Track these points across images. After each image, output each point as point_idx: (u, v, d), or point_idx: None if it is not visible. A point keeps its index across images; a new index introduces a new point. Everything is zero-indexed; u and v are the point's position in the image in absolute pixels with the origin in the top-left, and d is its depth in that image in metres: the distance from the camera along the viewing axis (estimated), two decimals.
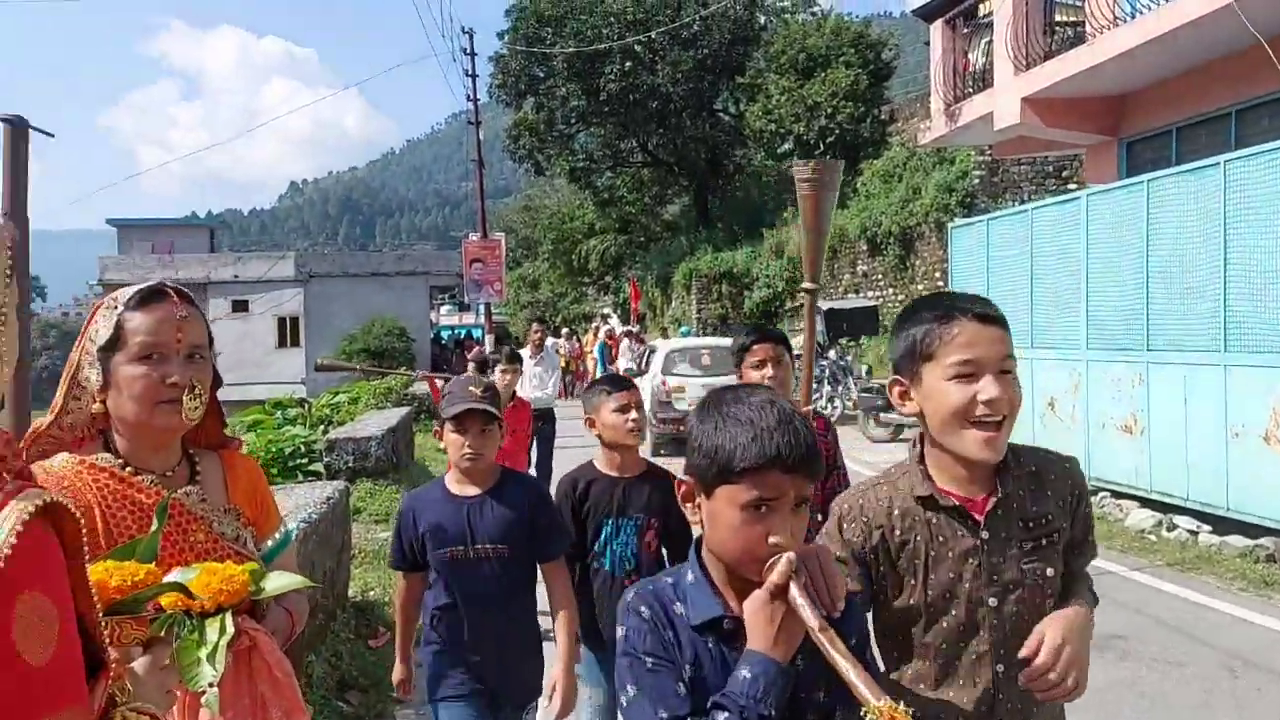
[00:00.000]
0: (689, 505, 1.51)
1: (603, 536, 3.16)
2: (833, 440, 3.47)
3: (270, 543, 1.88)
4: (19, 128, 4.92)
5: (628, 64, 29.40)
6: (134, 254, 38.54)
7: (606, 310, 35.04)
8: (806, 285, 3.57)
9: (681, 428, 14.47)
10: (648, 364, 16.03)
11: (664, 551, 3.23)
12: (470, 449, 2.78)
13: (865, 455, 12.90)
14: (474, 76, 27.23)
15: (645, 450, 17.21)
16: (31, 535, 0.93)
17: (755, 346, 3.38)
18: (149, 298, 1.65)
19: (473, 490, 2.86)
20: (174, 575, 1.39)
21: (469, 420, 2.79)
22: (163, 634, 1.34)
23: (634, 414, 3.17)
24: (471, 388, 2.88)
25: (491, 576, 2.79)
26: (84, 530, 1.14)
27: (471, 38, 27.43)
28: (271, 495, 1.99)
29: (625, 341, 22.58)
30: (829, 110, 25.78)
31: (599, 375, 22.99)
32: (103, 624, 1.17)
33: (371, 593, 6.42)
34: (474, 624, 2.80)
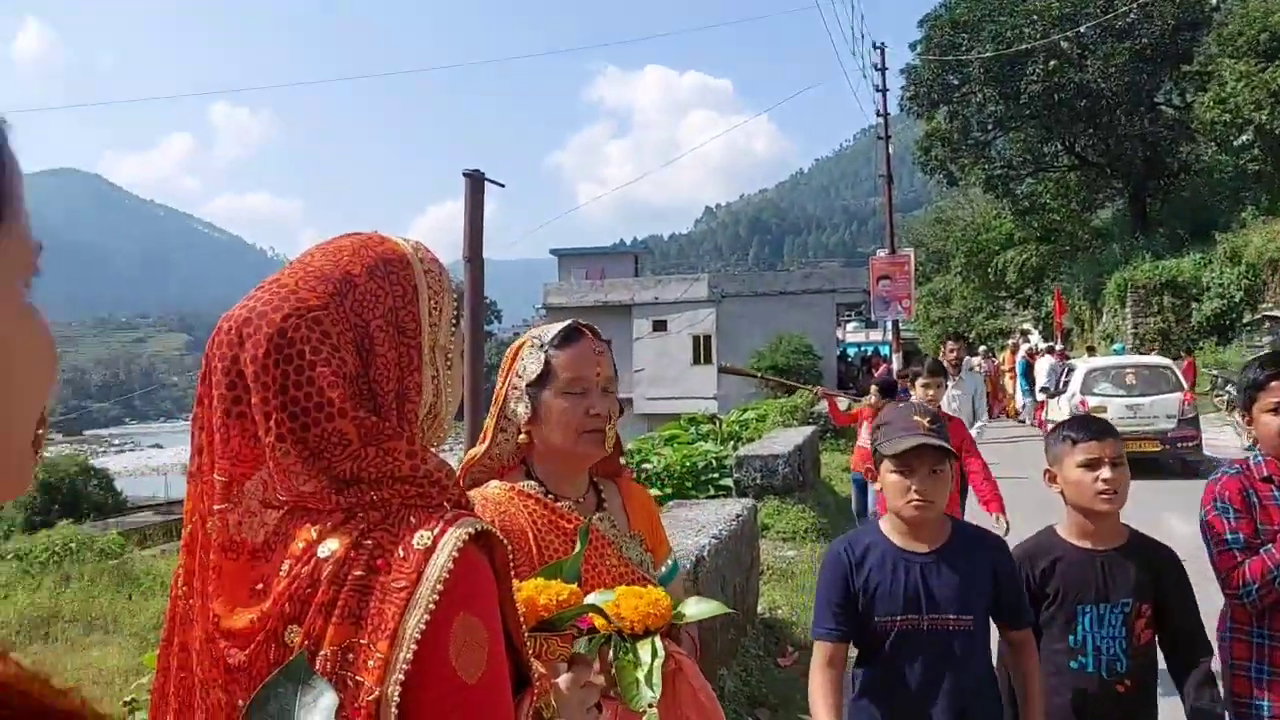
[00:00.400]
0: None
1: (1079, 628, 2.50)
2: None
3: (663, 569, 1.92)
4: (478, 180, 5.58)
5: (1052, 63, 27.45)
6: (571, 280, 42.67)
7: (1026, 325, 32.84)
8: None
9: None
10: (1065, 383, 14.79)
11: (1157, 643, 2.56)
12: (919, 495, 2.27)
13: None
14: (884, 91, 26.86)
15: None
16: (466, 561, 0.99)
17: (1274, 384, 2.57)
18: (570, 336, 1.77)
19: (920, 545, 2.35)
20: (593, 597, 1.44)
21: (916, 459, 2.27)
22: (589, 653, 1.40)
23: (1108, 472, 2.47)
24: (916, 417, 2.35)
25: (949, 653, 2.28)
26: (512, 553, 1.20)
27: (883, 52, 27.12)
28: (661, 523, 2.04)
29: (1046, 359, 20.89)
30: None
31: (1020, 398, 21.54)
32: (530, 641, 1.23)
33: (779, 611, 6.47)
34: (923, 713, 2.28)
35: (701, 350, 37.48)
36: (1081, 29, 27.05)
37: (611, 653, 1.44)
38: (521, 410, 1.73)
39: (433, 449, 1.15)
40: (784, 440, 10.27)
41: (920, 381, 6.53)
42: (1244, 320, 23.04)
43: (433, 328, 1.14)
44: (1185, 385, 13.67)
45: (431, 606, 0.95)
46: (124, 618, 8.63)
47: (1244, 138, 24.00)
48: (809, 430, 11.75)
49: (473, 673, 0.97)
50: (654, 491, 8.29)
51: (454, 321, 1.18)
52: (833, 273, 42.47)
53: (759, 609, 6.22)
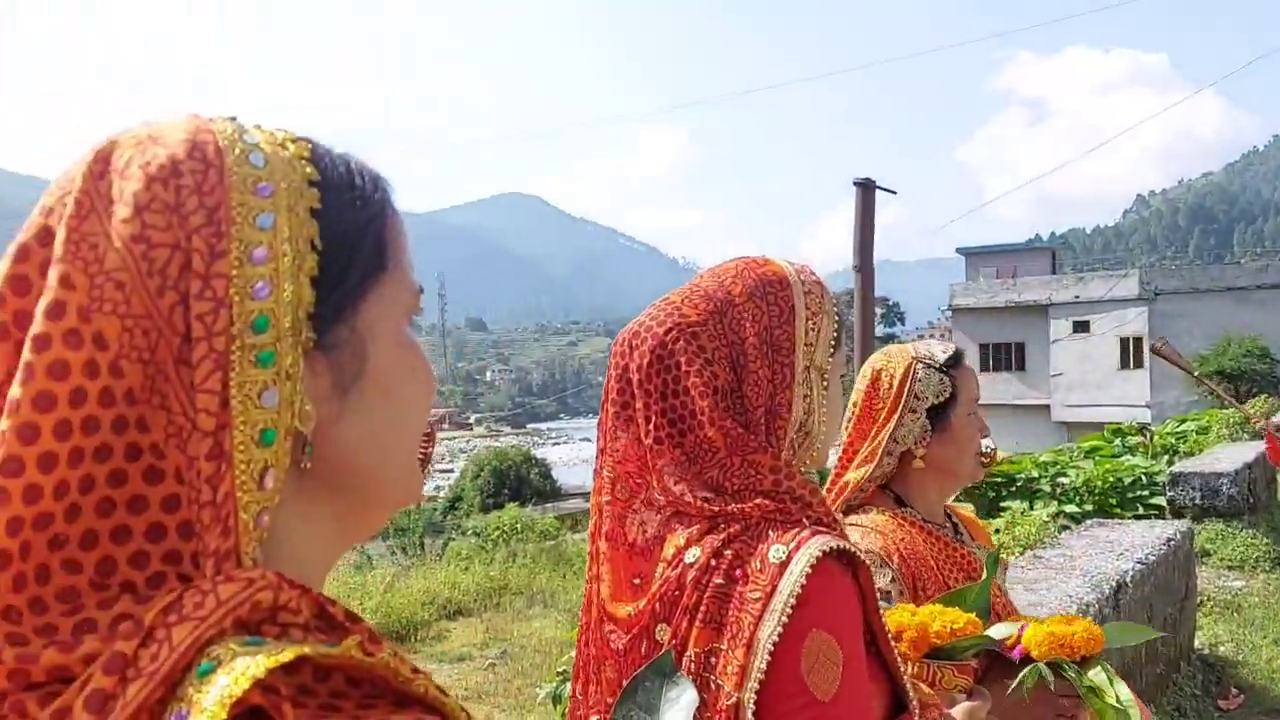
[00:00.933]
0: None
1: None
2: None
3: None
4: (869, 188, 5.67)
5: None
6: (980, 279, 40.81)
7: None
8: None
9: None
10: None
11: None
12: None
13: None
14: None
15: None
16: (822, 576, 1.02)
17: None
18: (960, 358, 1.77)
19: None
20: (999, 629, 1.40)
21: None
22: (1026, 680, 1.34)
23: None
24: None
25: None
26: (923, 584, 1.26)
27: None
28: None
29: None
30: None
31: None
32: (923, 668, 1.27)
33: (1222, 648, 5.87)
34: None
35: (1131, 353, 34.13)
36: None
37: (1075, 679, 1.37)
38: (918, 431, 1.70)
39: (804, 467, 1.20)
40: (1230, 456, 9.18)
41: None
42: None
43: (809, 347, 1.18)
44: None
45: (785, 619, 0.99)
46: (559, 594, 9.64)
47: None
48: (1261, 445, 10.39)
49: (826, 690, 0.99)
50: (1070, 508, 7.83)
51: (833, 343, 1.22)
52: None
53: (1196, 644, 5.69)
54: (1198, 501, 8.05)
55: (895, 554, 1.59)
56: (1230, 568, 7.54)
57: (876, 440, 1.67)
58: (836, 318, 1.23)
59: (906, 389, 1.68)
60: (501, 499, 23.06)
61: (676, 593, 1.05)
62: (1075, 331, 35.27)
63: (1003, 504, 7.63)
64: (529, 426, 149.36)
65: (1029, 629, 1.42)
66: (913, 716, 1.13)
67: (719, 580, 1.03)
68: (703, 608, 1.03)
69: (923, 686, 1.24)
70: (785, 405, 1.15)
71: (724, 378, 1.12)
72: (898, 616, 1.31)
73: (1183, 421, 14.04)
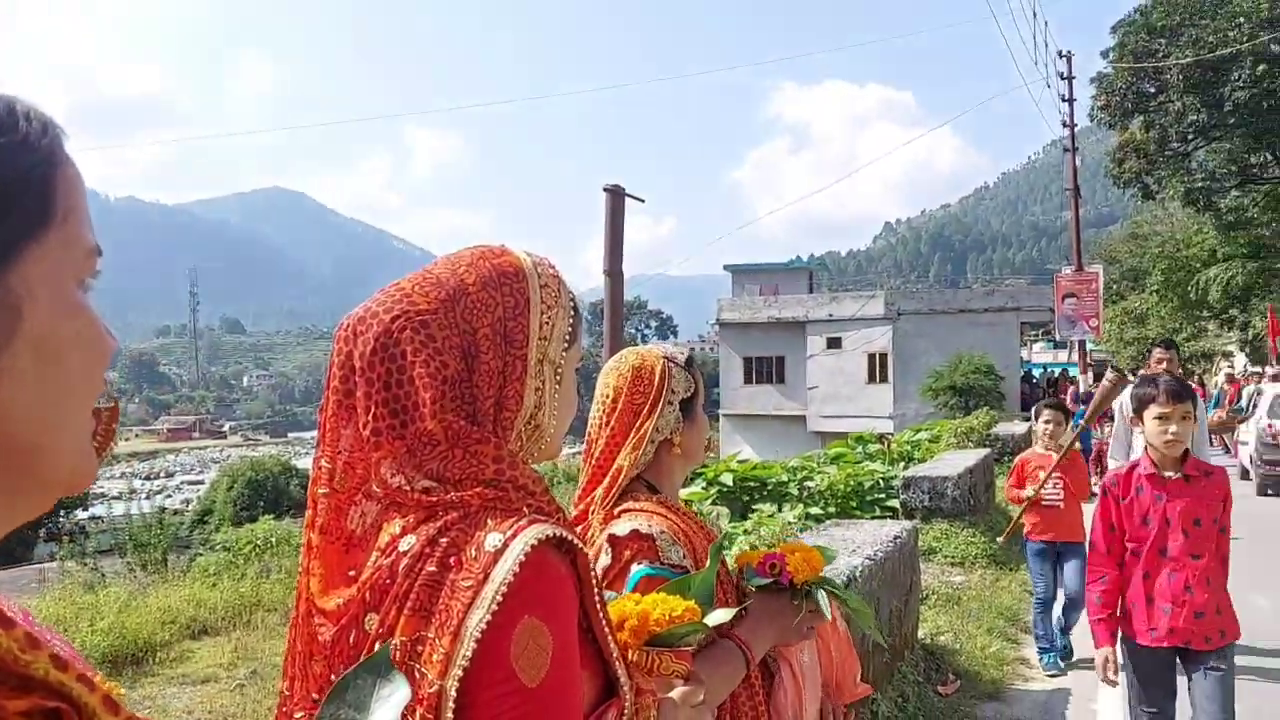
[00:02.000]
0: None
1: None
2: None
3: None
4: (618, 195, 5.83)
5: (1260, 67, 25.54)
6: (745, 295, 42.72)
7: (1230, 348, 30.59)
8: None
9: None
10: (1254, 407, 15.12)
11: None
12: None
13: None
14: (1071, 101, 25.73)
15: (1250, 490, 14.88)
16: (537, 564, 1.01)
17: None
18: (693, 360, 1.90)
19: None
20: (716, 615, 1.48)
21: None
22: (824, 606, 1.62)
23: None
24: None
25: None
26: (689, 556, 1.28)
27: (1070, 61, 25.99)
28: None
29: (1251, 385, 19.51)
30: None
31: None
32: (642, 656, 1.29)
33: (942, 637, 6.35)
34: None
35: (877, 368, 36.77)
36: None
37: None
38: (674, 422, 1.78)
39: (531, 459, 1.19)
40: (955, 462, 10.06)
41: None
42: None
43: (543, 341, 1.17)
44: None
45: (495, 607, 0.97)
46: None
47: None
48: (983, 453, 11.45)
49: (534, 676, 0.99)
50: (815, 510, 8.32)
51: (568, 338, 1.21)
52: (1017, 290, 40.74)
53: (920, 634, 6.13)
54: (926, 503, 8.77)
55: (681, 534, 1.66)
56: (952, 564, 8.23)
57: (642, 430, 1.73)
58: (573, 312, 1.22)
59: (665, 384, 1.77)
60: (256, 511, 21.90)
61: (388, 581, 1.03)
62: (829, 347, 37.59)
63: (754, 507, 8.01)
64: (290, 435, 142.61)
65: (791, 561, 1.66)
66: (622, 702, 1.14)
67: (431, 568, 1.01)
68: (413, 596, 1.01)
69: (641, 675, 1.26)
70: (515, 397, 1.14)
71: (454, 368, 1.10)
72: (621, 605, 1.32)
73: (918, 431, 15.26)
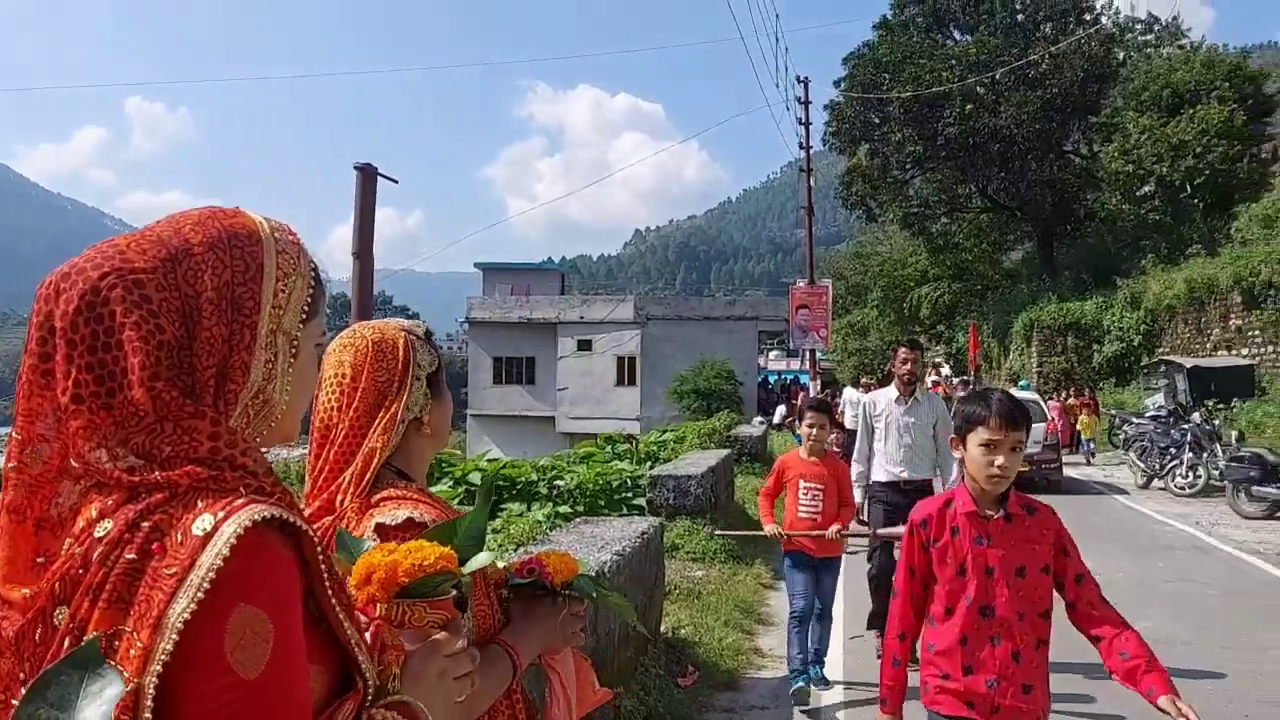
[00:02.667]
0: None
1: None
2: None
3: None
4: (369, 174, 5.62)
5: (968, 106, 28.43)
6: (496, 295, 42.50)
7: (939, 360, 33.77)
8: None
9: None
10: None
11: None
12: None
13: (1234, 533, 11.44)
14: (807, 125, 27.50)
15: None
16: (252, 548, 0.94)
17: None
18: (430, 334, 1.78)
19: None
20: (477, 560, 1.38)
21: None
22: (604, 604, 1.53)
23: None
24: None
25: None
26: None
27: (806, 87, 27.77)
28: None
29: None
30: (1197, 149, 23.44)
31: None
32: (391, 609, 1.20)
33: (683, 631, 6.53)
34: None
35: (626, 371, 37.67)
36: (996, 75, 28.09)
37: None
38: (423, 399, 1.68)
39: (260, 439, 1.10)
40: (699, 461, 10.44)
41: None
42: (1142, 363, 24.06)
43: (277, 310, 1.09)
44: (1049, 417, 15.74)
45: (201, 596, 0.90)
46: None
47: (1146, 188, 25.17)
48: (725, 453, 11.97)
49: (252, 668, 0.92)
50: (564, 509, 8.40)
51: (306, 309, 1.13)
52: (756, 301, 43.07)
53: (662, 628, 6.28)
54: (671, 501, 9.05)
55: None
56: (694, 559, 8.54)
57: (392, 410, 1.62)
58: (314, 282, 1.14)
59: (411, 359, 1.66)
60: None
61: (81, 571, 0.93)
62: (579, 349, 38.12)
63: (502, 506, 7.96)
64: None
65: (548, 562, 1.60)
66: (358, 696, 1.07)
67: (131, 555, 0.92)
68: (109, 586, 0.91)
69: (389, 629, 1.19)
70: (241, 368, 1.05)
71: (171, 333, 1.00)
72: (368, 558, 1.24)
73: (664, 432, 15.77)
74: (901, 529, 2.96)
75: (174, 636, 0.89)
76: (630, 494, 9.16)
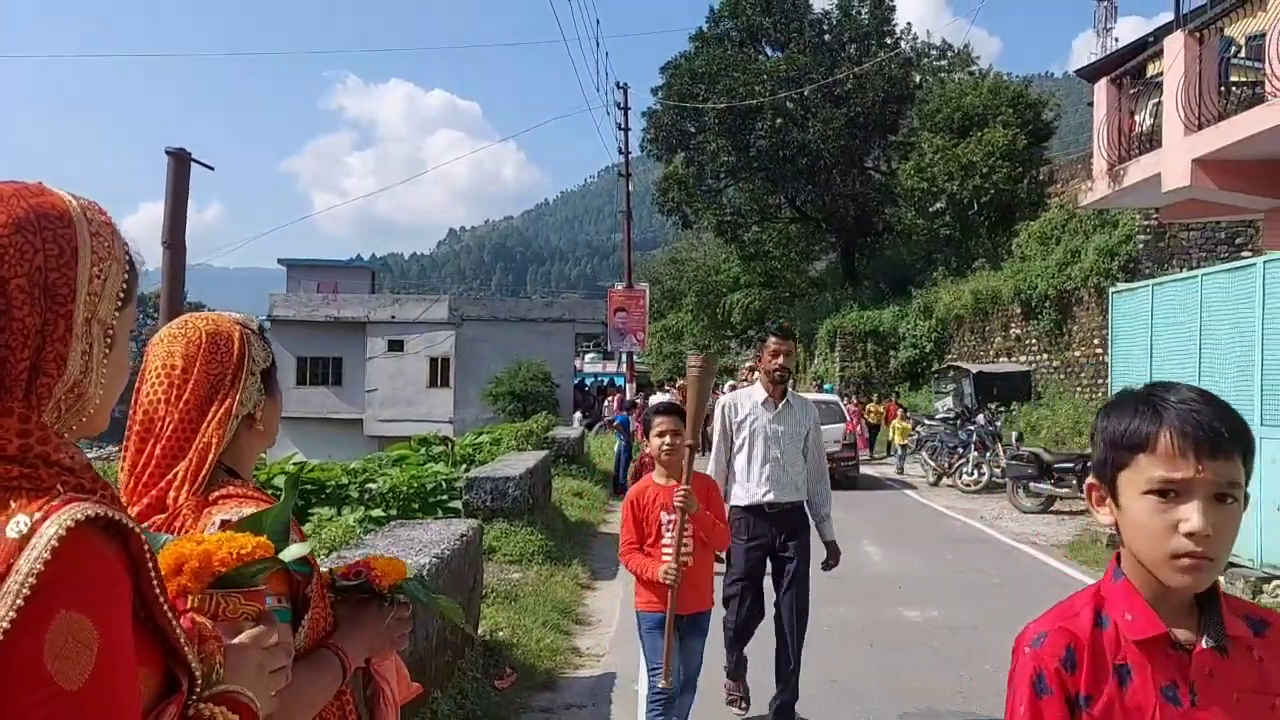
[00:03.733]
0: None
1: None
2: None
3: None
4: (182, 160, 5.29)
5: (778, 120, 29.56)
6: (301, 292, 40.82)
7: (750, 364, 34.93)
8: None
9: None
10: None
11: None
12: None
13: (1013, 526, 12.36)
14: (626, 130, 27.87)
15: None
16: (75, 550, 0.88)
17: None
18: (264, 328, 1.73)
19: None
20: (292, 550, 1.35)
21: None
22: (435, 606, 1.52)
23: None
24: None
25: None
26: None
27: (626, 93, 28.14)
28: None
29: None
30: (984, 170, 25.25)
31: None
32: (204, 600, 1.16)
33: (501, 633, 6.48)
34: None
35: (439, 372, 36.99)
36: (805, 92, 29.36)
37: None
38: (257, 395, 1.63)
39: (70, 432, 1.03)
40: (516, 463, 10.37)
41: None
42: (933, 368, 25.68)
43: (92, 297, 1.02)
44: (848, 418, 17.03)
45: (20, 603, 0.84)
46: None
47: (938, 205, 26.89)
48: (542, 454, 11.93)
49: (74, 678, 0.86)
50: (376, 513, 8.13)
51: (122, 296, 1.07)
52: (573, 303, 43.24)
53: (480, 631, 6.22)
54: (488, 504, 8.93)
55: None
56: (511, 562, 8.46)
57: (225, 404, 1.54)
58: (128, 266, 1.07)
59: (247, 354, 1.59)
60: None
61: None
62: (390, 350, 37.14)
63: (311, 511, 7.63)
64: None
65: (376, 566, 1.60)
66: (182, 698, 1.02)
67: None
68: None
69: (204, 620, 1.14)
70: (56, 361, 0.98)
71: None
72: (178, 547, 1.19)
73: (480, 434, 15.55)
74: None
75: None
76: (446, 497, 8.96)
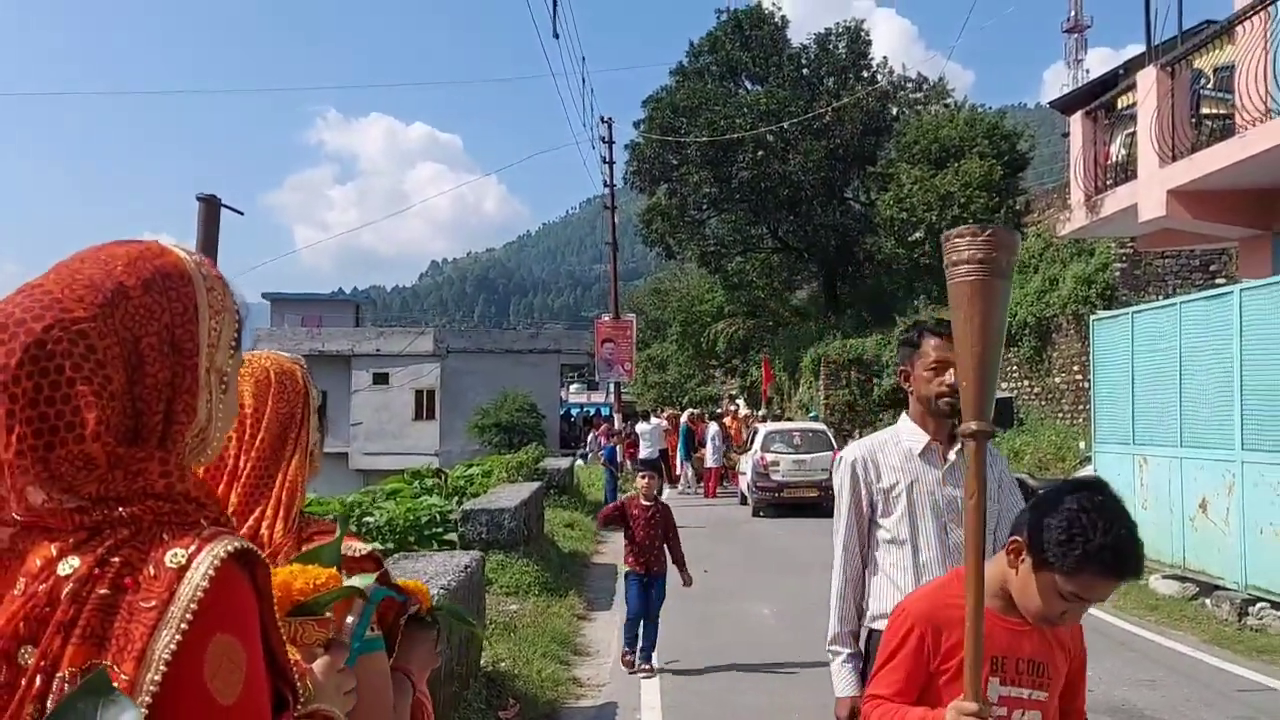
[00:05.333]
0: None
1: None
2: None
3: None
4: (213, 205, 5.41)
5: (759, 153, 29.88)
6: (285, 326, 40.78)
7: (734, 392, 35.10)
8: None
9: (777, 495, 17.13)
10: (751, 442, 18.52)
11: None
12: None
13: None
14: (611, 163, 28.16)
15: (746, 512, 17.34)
16: (224, 579, 0.97)
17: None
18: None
19: None
20: (358, 580, 1.45)
21: None
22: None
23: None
24: None
25: None
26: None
27: (610, 127, 28.45)
28: None
29: (713, 425, 22.72)
30: (962, 200, 25.58)
31: (679, 464, 22.97)
32: (284, 626, 1.24)
33: (503, 664, 6.55)
34: None
35: (425, 405, 36.95)
36: (785, 125, 29.72)
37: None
38: (315, 432, 1.70)
39: (191, 465, 1.12)
40: (510, 495, 10.45)
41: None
42: None
43: (210, 349, 1.10)
44: (835, 446, 17.19)
45: (184, 627, 0.93)
46: None
47: (917, 234, 27.15)
48: (534, 486, 12.01)
49: (229, 694, 0.95)
50: (375, 545, 8.17)
51: (234, 345, 1.15)
52: (558, 334, 43.37)
53: (482, 662, 6.29)
54: (484, 535, 9.00)
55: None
56: (509, 593, 8.53)
57: (301, 441, 1.62)
58: (238, 317, 1.16)
59: (309, 391, 1.67)
60: None
61: (47, 609, 0.93)
62: (375, 383, 37.08)
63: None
64: None
65: (416, 590, 1.65)
66: (291, 713, 1.11)
67: (104, 590, 0.93)
68: (82, 622, 0.92)
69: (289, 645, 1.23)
70: (187, 410, 1.07)
71: (117, 381, 1.00)
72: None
73: (470, 466, 15.60)
74: None
75: (161, 668, 0.91)
76: (441, 529, 9.03)
